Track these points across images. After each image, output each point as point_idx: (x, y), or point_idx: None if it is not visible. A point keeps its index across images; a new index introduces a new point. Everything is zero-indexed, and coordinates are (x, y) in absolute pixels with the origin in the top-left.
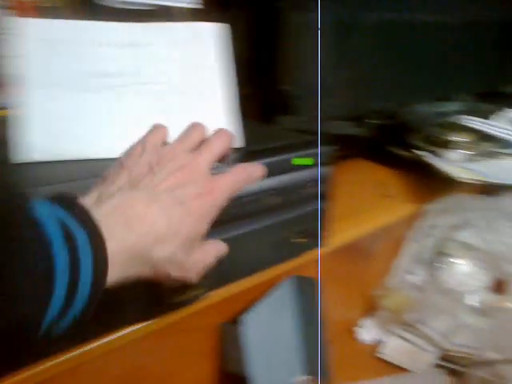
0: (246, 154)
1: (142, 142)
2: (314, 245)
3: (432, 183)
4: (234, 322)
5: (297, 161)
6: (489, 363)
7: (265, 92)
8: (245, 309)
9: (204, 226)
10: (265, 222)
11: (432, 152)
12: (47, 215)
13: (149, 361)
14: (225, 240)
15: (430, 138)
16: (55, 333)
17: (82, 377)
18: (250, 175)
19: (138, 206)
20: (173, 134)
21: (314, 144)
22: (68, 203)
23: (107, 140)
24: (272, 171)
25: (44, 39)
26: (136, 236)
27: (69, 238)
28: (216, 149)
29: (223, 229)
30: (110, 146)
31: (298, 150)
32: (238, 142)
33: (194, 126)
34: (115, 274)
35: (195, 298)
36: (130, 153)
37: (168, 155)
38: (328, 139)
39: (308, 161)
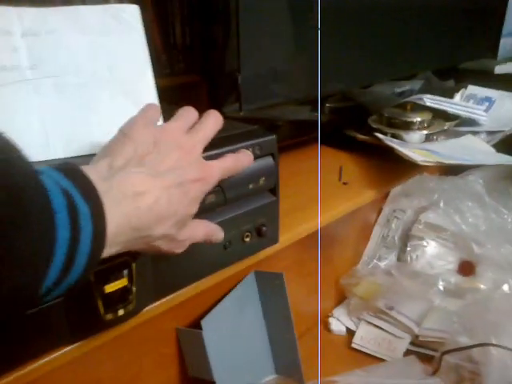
0: None
1: (143, 114)
2: (268, 242)
3: (394, 166)
4: (193, 325)
5: None
6: (461, 348)
7: (208, 79)
8: (204, 311)
9: (195, 208)
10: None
11: (392, 134)
12: (53, 183)
13: (102, 374)
14: None
15: (389, 120)
16: (47, 299)
17: None
18: (240, 163)
19: (146, 183)
20: (90, 135)
21: (257, 134)
22: (73, 174)
23: None
24: None
25: None
26: (140, 212)
27: (72, 209)
28: (209, 130)
29: None
30: None
31: (241, 141)
32: None
33: (187, 109)
34: (114, 247)
35: (133, 313)
36: (132, 123)
37: (168, 132)
38: (271, 126)
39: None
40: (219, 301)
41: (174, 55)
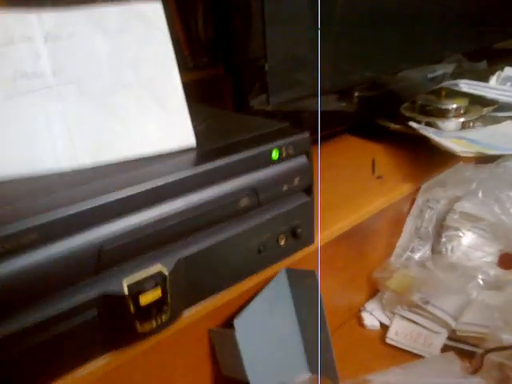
0: (213, 152)
1: None
2: (303, 243)
3: (429, 157)
4: (226, 325)
5: (274, 154)
6: (506, 347)
7: (232, 72)
8: (235, 311)
9: None
10: (243, 226)
11: (426, 123)
12: None
13: (135, 376)
14: (201, 251)
15: (423, 108)
16: None
17: None
18: None
19: None
20: (116, 141)
21: (289, 132)
22: None
23: (32, 154)
24: (243, 168)
25: None
26: None
27: None
28: None
29: (198, 238)
30: (36, 161)
31: (272, 141)
32: (190, 140)
33: None
34: None
35: (168, 323)
36: None
37: None
38: (304, 123)
39: (279, 152)
40: (250, 299)
41: (197, 49)
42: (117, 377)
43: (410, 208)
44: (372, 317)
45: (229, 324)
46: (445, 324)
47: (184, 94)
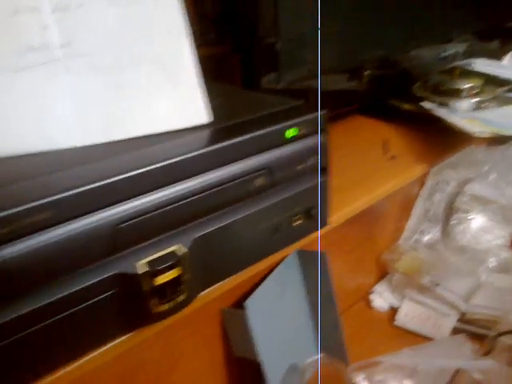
0: (225, 129)
1: None
2: (317, 225)
3: (442, 137)
4: (237, 306)
5: (290, 132)
6: None
7: (242, 49)
8: (246, 291)
9: None
10: (258, 206)
11: (439, 103)
12: None
13: (146, 356)
14: (216, 231)
15: (435, 88)
16: None
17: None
18: None
19: None
20: (128, 118)
21: (305, 109)
22: None
23: (42, 130)
24: (259, 147)
25: None
26: None
27: None
28: None
29: (213, 218)
30: (46, 137)
31: (288, 119)
32: (205, 116)
33: None
34: None
35: (183, 304)
36: None
37: None
38: (319, 100)
39: (297, 130)
40: (261, 280)
41: (205, 25)
42: (128, 357)
43: (420, 190)
44: (381, 299)
45: (240, 304)
46: (454, 306)
47: (199, 69)
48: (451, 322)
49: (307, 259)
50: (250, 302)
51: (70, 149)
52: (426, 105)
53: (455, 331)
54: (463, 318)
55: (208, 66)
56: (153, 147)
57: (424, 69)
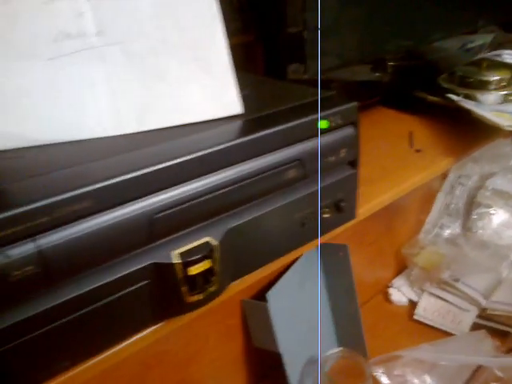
0: (257, 120)
1: None
2: (345, 218)
3: (467, 131)
4: (257, 297)
5: (322, 123)
6: None
7: (268, 38)
8: (267, 283)
9: None
10: (289, 198)
11: (465, 95)
12: None
13: (169, 346)
14: (248, 222)
15: (462, 79)
16: None
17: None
18: None
19: None
20: (162, 107)
21: (337, 101)
22: None
23: (76, 118)
24: (292, 138)
25: None
26: None
27: None
28: None
29: (246, 209)
30: (80, 125)
31: (320, 110)
32: (238, 106)
33: None
34: None
35: (214, 295)
36: None
37: None
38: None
39: (329, 122)
40: (283, 272)
41: (230, 13)
42: (151, 346)
43: (441, 184)
44: (399, 293)
45: (258, 296)
46: (474, 302)
47: (231, 57)
48: (471, 317)
49: (328, 252)
50: (271, 294)
51: (104, 138)
52: (453, 97)
53: (475, 327)
54: (483, 314)
55: (233, 56)
56: (187, 137)
57: (449, 60)
